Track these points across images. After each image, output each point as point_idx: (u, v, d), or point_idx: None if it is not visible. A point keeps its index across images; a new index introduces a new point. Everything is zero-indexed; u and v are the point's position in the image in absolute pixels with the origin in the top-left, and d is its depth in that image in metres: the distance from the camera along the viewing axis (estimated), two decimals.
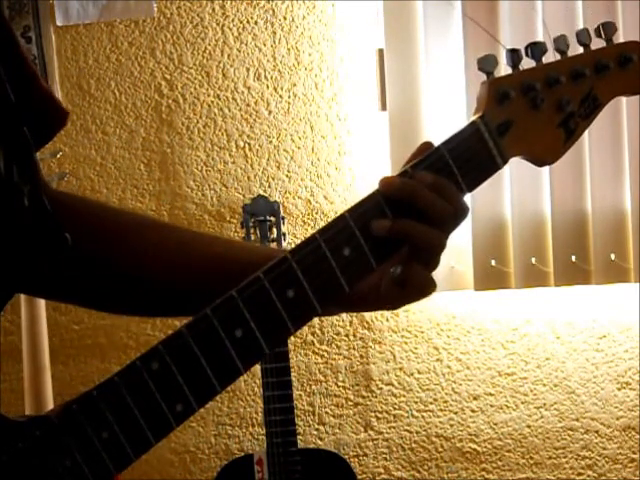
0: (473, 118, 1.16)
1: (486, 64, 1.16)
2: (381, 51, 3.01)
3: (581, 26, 2.90)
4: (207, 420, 3.05)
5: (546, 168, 2.91)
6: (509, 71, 1.17)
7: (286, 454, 2.65)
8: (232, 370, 1.08)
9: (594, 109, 1.19)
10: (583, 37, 1.18)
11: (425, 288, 1.14)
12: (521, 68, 1.17)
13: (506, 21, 2.91)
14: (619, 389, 3.07)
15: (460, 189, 1.13)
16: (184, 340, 1.07)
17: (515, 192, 2.93)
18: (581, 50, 1.19)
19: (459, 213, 1.12)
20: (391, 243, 1.11)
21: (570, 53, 1.18)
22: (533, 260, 2.93)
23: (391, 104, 2.97)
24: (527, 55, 1.17)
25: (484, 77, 1.16)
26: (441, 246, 1.12)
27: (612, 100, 1.20)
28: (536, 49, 1.17)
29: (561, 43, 1.17)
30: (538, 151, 1.18)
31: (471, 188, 1.15)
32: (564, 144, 1.19)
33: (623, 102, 2.91)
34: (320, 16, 3.06)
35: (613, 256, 2.91)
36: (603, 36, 1.19)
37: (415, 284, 1.13)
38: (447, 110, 2.92)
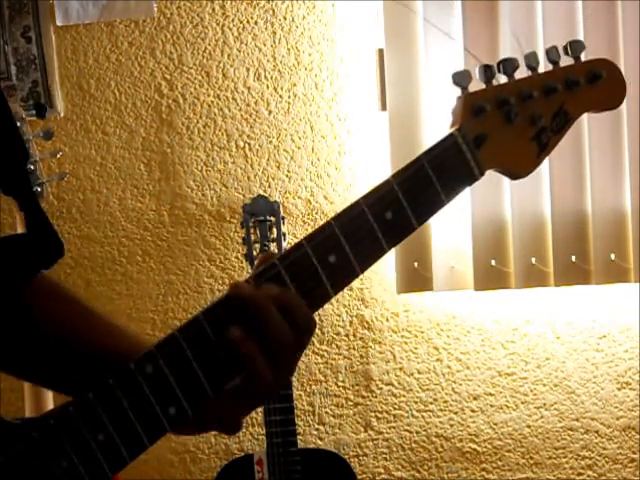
0: (450, 130, 1.18)
1: (461, 79, 1.19)
2: (381, 51, 3.01)
3: (581, 27, 2.91)
4: None
5: (546, 168, 2.91)
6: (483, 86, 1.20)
7: (286, 454, 2.65)
8: (223, 373, 1.09)
9: (565, 124, 1.21)
10: (552, 55, 1.21)
11: (226, 426, 1.13)
12: (495, 83, 1.19)
13: (506, 21, 2.91)
14: (619, 389, 3.07)
15: (440, 200, 1.16)
16: (176, 343, 1.08)
17: (515, 192, 2.93)
18: (550, 67, 1.22)
19: (304, 327, 1.10)
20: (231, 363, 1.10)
21: (540, 70, 1.21)
22: (533, 260, 2.93)
23: (391, 104, 2.97)
24: (499, 71, 1.20)
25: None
26: (271, 391, 1.10)
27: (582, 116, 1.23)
28: (508, 65, 1.20)
29: (532, 60, 1.21)
30: (512, 164, 1.21)
31: (450, 198, 1.17)
32: (537, 157, 1.21)
33: (623, 102, 2.90)
34: (320, 16, 3.06)
35: (613, 256, 2.91)
36: (571, 54, 1.22)
37: (225, 416, 1.12)
38: (447, 110, 2.91)
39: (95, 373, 1.14)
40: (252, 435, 3.06)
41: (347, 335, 3.07)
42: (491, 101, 1.18)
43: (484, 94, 1.18)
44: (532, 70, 1.20)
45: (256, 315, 1.07)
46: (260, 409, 2.87)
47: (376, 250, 1.14)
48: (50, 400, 2.52)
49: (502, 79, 1.20)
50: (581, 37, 2.87)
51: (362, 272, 1.14)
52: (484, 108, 1.18)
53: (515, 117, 1.18)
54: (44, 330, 1.20)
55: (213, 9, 3.07)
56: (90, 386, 1.08)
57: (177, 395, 1.07)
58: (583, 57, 1.22)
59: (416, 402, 3.08)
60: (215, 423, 1.14)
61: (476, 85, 1.20)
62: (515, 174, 1.22)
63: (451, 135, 1.17)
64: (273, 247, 2.68)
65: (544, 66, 1.22)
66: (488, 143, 1.18)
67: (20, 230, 2.41)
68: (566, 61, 1.22)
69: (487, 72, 1.19)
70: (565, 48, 1.22)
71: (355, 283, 3.03)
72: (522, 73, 1.21)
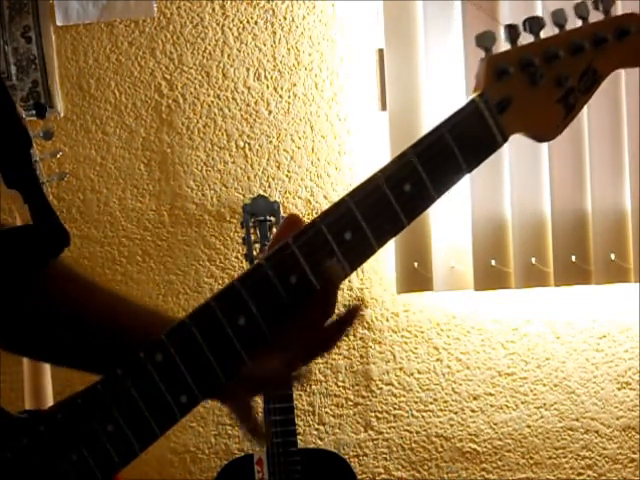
0: (472, 96, 1.15)
1: (484, 40, 1.15)
2: (381, 51, 3.01)
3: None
4: (207, 420, 3.05)
5: (546, 168, 2.91)
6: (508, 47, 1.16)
7: (286, 454, 2.65)
8: (235, 359, 1.08)
9: (593, 83, 1.17)
10: (581, 10, 1.17)
11: (270, 384, 1.14)
12: (519, 44, 1.15)
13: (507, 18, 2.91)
14: (619, 389, 3.07)
15: (460, 169, 1.12)
16: (187, 330, 1.06)
17: (515, 192, 2.93)
18: (579, 24, 1.17)
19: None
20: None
21: (568, 27, 1.17)
22: (533, 260, 2.93)
23: (391, 104, 2.97)
24: (525, 30, 1.16)
25: None
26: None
27: (612, 74, 1.19)
28: (534, 23, 1.16)
29: (559, 17, 1.17)
30: (538, 127, 1.17)
31: (472, 167, 1.13)
32: (563, 120, 1.17)
33: (623, 102, 2.91)
34: (320, 16, 3.06)
35: (613, 256, 2.91)
36: (601, 9, 1.17)
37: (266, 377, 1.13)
38: (447, 110, 2.91)
39: (117, 348, 1.13)
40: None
41: (347, 335, 3.06)
42: (515, 63, 1.14)
43: (507, 56, 1.15)
44: (560, 28, 1.16)
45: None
46: (260, 409, 2.87)
47: (394, 225, 1.11)
48: (50, 400, 2.52)
49: (527, 39, 1.15)
50: None
51: (379, 248, 1.11)
52: (507, 70, 1.14)
53: (540, 79, 1.14)
54: (61, 311, 1.19)
55: (213, 9, 3.07)
56: (112, 362, 1.07)
57: (188, 383, 1.06)
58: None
59: (416, 402, 3.08)
60: (263, 384, 1.13)
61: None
62: (541, 138, 1.18)
63: (472, 101, 1.14)
64: None
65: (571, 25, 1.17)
66: (512, 107, 1.14)
67: None
68: (594, 17, 1.17)
69: (511, 32, 1.15)
70: (595, 3, 1.17)
71: (355, 283, 3.03)
72: (548, 32, 1.17)
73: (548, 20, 1.17)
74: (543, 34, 1.17)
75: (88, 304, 1.20)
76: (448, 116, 1.13)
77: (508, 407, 3.08)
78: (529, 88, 1.15)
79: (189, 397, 1.06)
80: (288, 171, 3.07)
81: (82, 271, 1.24)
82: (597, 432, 3.08)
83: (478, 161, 1.14)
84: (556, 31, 1.17)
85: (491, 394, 3.08)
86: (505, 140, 1.14)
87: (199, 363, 1.06)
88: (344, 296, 3.04)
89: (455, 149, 1.12)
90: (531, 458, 3.09)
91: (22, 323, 1.19)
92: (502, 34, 1.15)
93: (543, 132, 1.17)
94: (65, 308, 1.19)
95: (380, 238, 1.10)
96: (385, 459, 3.08)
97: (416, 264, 2.96)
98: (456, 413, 3.08)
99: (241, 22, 3.07)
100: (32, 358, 1.25)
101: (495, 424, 3.08)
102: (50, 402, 2.50)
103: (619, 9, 2.98)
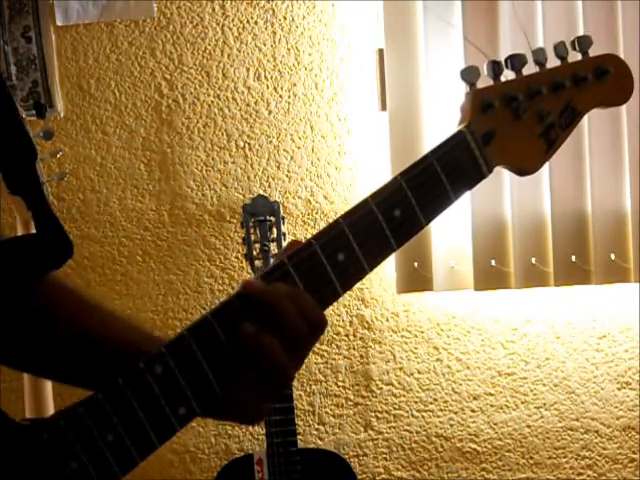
0: (459, 127, 1.17)
1: (468, 75, 1.18)
2: (381, 51, 3.01)
3: (581, 27, 2.91)
4: (207, 420, 3.05)
5: (546, 168, 2.91)
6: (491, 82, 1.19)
7: (286, 454, 2.65)
8: (233, 373, 1.09)
9: (573, 119, 1.22)
10: (560, 50, 1.21)
11: (248, 416, 1.13)
12: (503, 79, 1.19)
13: (506, 23, 2.91)
14: (619, 389, 3.07)
15: (448, 197, 1.16)
16: (186, 343, 1.07)
17: (515, 192, 2.93)
18: (559, 63, 1.21)
19: (316, 325, 1.10)
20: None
21: (548, 66, 1.21)
22: (533, 260, 2.93)
23: (391, 104, 2.97)
24: (507, 67, 1.19)
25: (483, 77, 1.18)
26: (289, 380, 1.11)
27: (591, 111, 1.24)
28: (516, 61, 1.19)
29: (540, 55, 1.20)
30: (520, 160, 1.20)
31: (458, 195, 1.17)
32: (545, 154, 1.21)
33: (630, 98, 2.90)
34: (320, 16, 3.06)
35: (613, 256, 2.91)
36: (578, 49, 1.21)
37: (243, 408, 1.12)
38: (447, 110, 2.92)
39: (110, 366, 1.14)
40: (252, 435, 3.06)
41: (347, 335, 3.07)
42: (499, 97, 1.17)
43: (492, 90, 1.18)
44: (540, 66, 1.20)
45: (272, 310, 1.08)
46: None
47: (385, 248, 1.14)
48: (50, 400, 2.52)
49: (510, 75, 1.19)
50: None
51: (370, 270, 1.14)
52: (492, 104, 1.17)
53: (523, 113, 1.18)
54: (57, 327, 1.20)
55: (213, 9, 3.07)
56: (106, 380, 1.08)
57: (187, 395, 1.07)
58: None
59: (416, 402, 3.08)
60: (234, 415, 1.14)
61: (483, 82, 1.19)
62: (523, 171, 1.21)
63: (460, 132, 1.17)
64: (273, 247, 2.68)
65: (551, 62, 1.21)
66: (496, 140, 1.17)
67: (20, 230, 2.41)
68: (574, 56, 1.21)
69: (495, 68, 1.18)
70: (572, 43, 1.21)
71: None
72: (530, 69, 1.20)
73: (529, 58, 1.20)
74: (525, 71, 1.20)
75: (81, 322, 1.21)
76: (436, 145, 1.16)
77: (508, 407, 3.08)
78: (513, 122, 1.18)
79: (187, 409, 1.08)
80: (288, 171, 3.07)
81: (76, 288, 1.25)
82: (597, 432, 3.08)
83: (464, 190, 1.17)
84: (537, 69, 1.20)
85: (491, 394, 3.08)
86: (490, 171, 1.18)
87: (197, 376, 1.07)
88: (344, 296, 3.04)
89: (443, 177, 1.15)
90: (531, 458, 3.09)
91: (17, 336, 1.19)
92: (485, 70, 1.19)
93: (525, 165, 1.21)
94: (59, 324, 1.20)
95: (372, 260, 1.13)
96: (385, 459, 3.08)
97: (416, 264, 2.96)
98: (456, 413, 3.08)
99: (241, 22, 3.07)
100: (24, 371, 1.25)
101: (495, 424, 3.08)
102: (50, 405, 2.50)
103: (619, 9, 2.98)
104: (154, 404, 1.06)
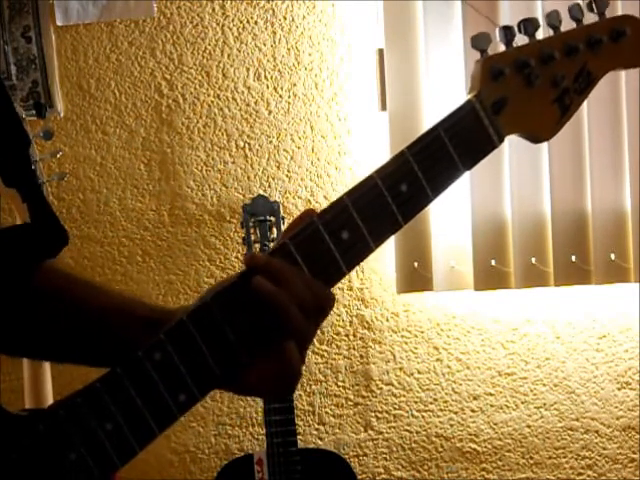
0: (468, 97, 1.15)
1: (480, 42, 1.15)
2: (381, 51, 3.01)
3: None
4: (207, 420, 3.05)
5: (546, 168, 2.91)
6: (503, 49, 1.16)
7: (286, 454, 2.65)
8: (233, 357, 1.08)
9: (588, 84, 1.18)
10: (575, 12, 1.17)
11: (273, 390, 1.12)
12: (515, 45, 1.16)
13: (507, 18, 2.91)
14: (619, 389, 3.07)
15: (457, 170, 1.13)
16: (185, 329, 1.06)
17: (515, 192, 2.93)
18: (574, 25, 1.18)
19: (324, 301, 1.08)
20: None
21: (563, 28, 1.17)
22: (533, 260, 2.93)
23: (391, 104, 2.97)
24: (520, 32, 1.16)
25: None
26: (309, 339, 1.09)
27: (607, 75, 1.19)
28: (529, 25, 1.16)
29: (553, 18, 1.17)
30: (534, 128, 1.17)
31: (468, 167, 1.14)
32: (559, 120, 1.18)
33: (623, 102, 2.91)
34: (320, 16, 3.06)
35: (613, 256, 2.91)
36: (595, 10, 1.18)
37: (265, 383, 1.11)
38: (447, 110, 2.91)
39: (109, 335, 1.13)
40: (252, 435, 3.06)
41: (347, 335, 3.07)
42: (510, 64, 1.15)
43: (503, 57, 1.15)
44: (554, 29, 1.16)
45: (279, 277, 1.06)
46: (260, 409, 2.87)
47: (391, 224, 1.11)
48: (50, 400, 2.52)
49: (522, 41, 1.16)
50: None
51: (377, 248, 1.10)
52: (503, 72, 1.14)
53: (536, 79, 1.15)
54: (57, 309, 1.19)
55: (213, 9, 3.07)
56: (111, 356, 1.07)
57: (187, 382, 1.06)
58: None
59: (416, 402, 3.08)
60: (258, 390, 1.12)
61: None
62: (537, 138, 1.18)
63: (468, 102, 1.14)
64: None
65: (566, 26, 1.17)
66: (508, 108, 1.14)
67: None
68: (590, 19, 1.17)
69: (507, 33, 1.15)
70: (589, 5, 1.17)
71: (355, 283, 3.03)
72: (543, 34, 1.17)
73: (543, 22, 1.17)
74: (538, 35, 1.17)
75: (83, 301, 1.20)
76: (444, 116, 1.14)
77: (508, 407, 3.08)
78: (525, 89, 1.15)
79: (187, 396, 1.06)
80: (288, 171, 3.07)
81: (76, 271, 1.24)
82: (597, 432, 3.08)
83: (474, 161, 1.14)
84: (551, 33, 1.17)
85: (491, 394, 3.08)
86: (501, 140, 1.15)
87: (197, 362, 1.06)
88: (344, 296, 3.04)
89: (451, 149, 1.13)
90: (531, 458, 3.09)
91: (17, 321, 1.19)
92: (497, 36, 1.15)
93: (539, 133, 1.18)
94: (59, 306, 1.19)
95: (377, 238, 1.10)
96: (385, 459, 3.08)
97: (416, 264, 2.96)
98: (456, 413, 3.08)
99: (241, 22, 3.07)
100: (26, 356, 1.24)
101: (495, 424, 3.08)
102: (50, 402, 2.50)
103: (619, 9, 2.98)
104: (153, 391, 1.05)
